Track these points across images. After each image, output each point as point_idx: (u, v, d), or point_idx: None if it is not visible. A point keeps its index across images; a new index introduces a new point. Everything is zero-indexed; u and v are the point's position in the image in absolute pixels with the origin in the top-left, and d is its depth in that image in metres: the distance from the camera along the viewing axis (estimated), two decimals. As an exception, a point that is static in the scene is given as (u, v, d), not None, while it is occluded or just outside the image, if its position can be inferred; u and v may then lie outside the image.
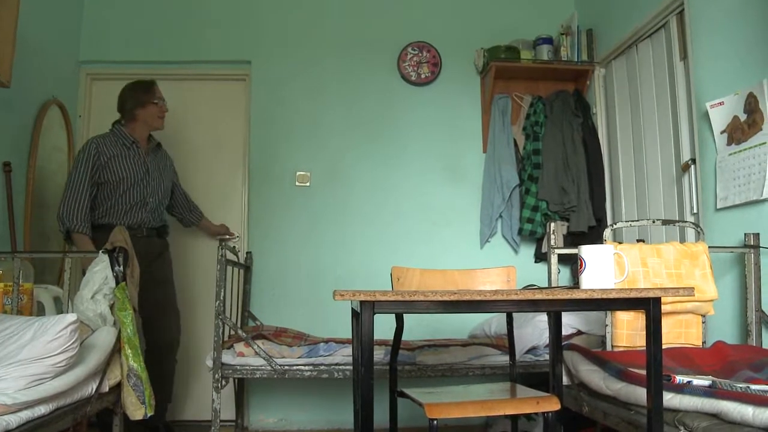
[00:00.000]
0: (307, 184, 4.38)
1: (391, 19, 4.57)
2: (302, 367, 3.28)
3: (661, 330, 1.81)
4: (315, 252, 4.32)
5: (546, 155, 4.19)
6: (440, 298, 1.73)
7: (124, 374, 2.74)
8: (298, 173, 4.38)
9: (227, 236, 4.06)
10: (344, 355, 3.28)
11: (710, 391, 1.92)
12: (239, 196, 4.45)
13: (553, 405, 2.05)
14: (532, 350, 3.43)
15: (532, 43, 4.39)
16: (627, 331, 2.63)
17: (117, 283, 2.83)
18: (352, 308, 2.17)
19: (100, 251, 2.91)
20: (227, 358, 3.23)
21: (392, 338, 2.42)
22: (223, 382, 3.21)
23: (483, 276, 2.50)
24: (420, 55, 4.51)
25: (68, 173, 3.50)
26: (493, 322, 3.75)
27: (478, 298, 1.76)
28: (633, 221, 3.02)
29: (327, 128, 4.45)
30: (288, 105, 4.44)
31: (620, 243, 2.96)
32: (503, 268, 2.52)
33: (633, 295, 1.81)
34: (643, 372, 1.88)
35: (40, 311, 3.12)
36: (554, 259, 2.86)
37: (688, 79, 3.32)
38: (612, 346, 2.66)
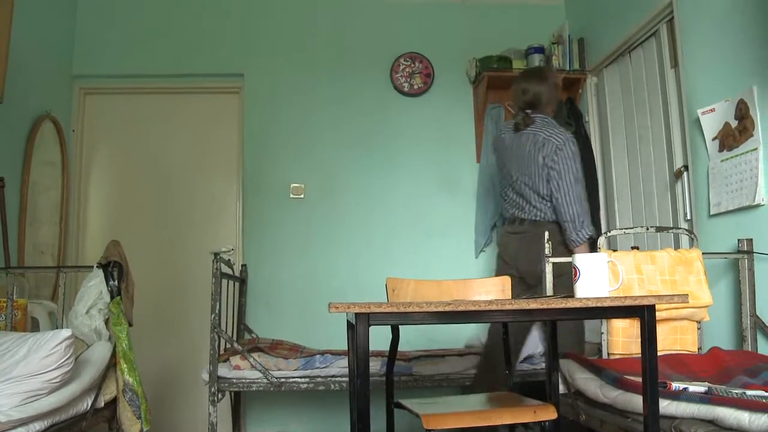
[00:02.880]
0: (302, 196, 4.38)
1: (383, 30, 4.59)
2: (299, 380, 3.28)
3: (656, 337, 1.81)
4: (310, 264, 4.32)
5: (539, 164, 4.19)
6: (435, 309, 1.73)
7: (119, 389, 2.73)
8: (292, 185, 4.38)
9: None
10: (340, 366, 3.27)
11: (706, 398, 1.92)
12: (233, 209, 4.45)
13: (550, 414, 2.05)
14: (528, 359, 3.43)
15: (523, 53, 4.41)
16: (623, 338, 2.63)
17: (112, 297, 2.82)
18: (347, 320, 2.17)
19: (94, 265, 2.91)
20: (223, 371, 3.23)
21: (388, 349, 2.41)
22: (220, 396, 3.20)
23: (478, 286, 2.49)
24: (412, 65, 4.53)
25: (557, 170, 3.07)
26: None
27: (473, 308, 1.76)
28: (627, 228, 3.02)
29: (321, 140, 4.46)
30: (281, 117, 4.45)
31: (615, 250, 2.97)
32: (498, 278, 2.51)
33: (627, 303, 1.81)
34: (640, 379, 1.88)
35: (35, 327, 3.11)
36: (549, 267, 2.86)
37: (680, 86, 3.34)
38: (608, 354, 2.66)
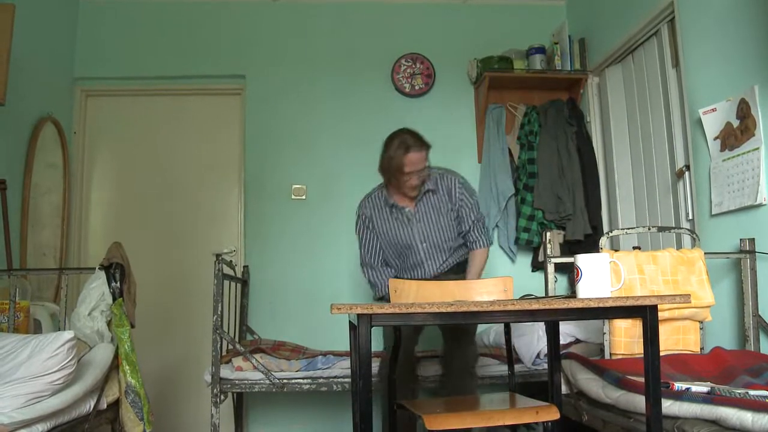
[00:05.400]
0: (303, 197, 4.38)
1: (384, 31, 4.59)
2: (301, 381, 3.28)
3: (659, 337, 1.81)
4: (312, 265, 4.31)
5: (541, 164, 4.20)
6: (437, 310, 1.73)
7: (122, 391, 2.73)
8: (293, 186, 4.38)
9: None
10: (342, 367, 3.27)
11: (709, 398, 1.92)
12: (235, 210, 4.45)
13: (552, 414, 2.05)
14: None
15: (524, 53, 4.41)
16: (625, 338, 2.62)
17: (114, 299, 2.82)
18: (349, 321, 2.17)
19: (97, 267, 2.91)
20: (225, 372, 3.23)
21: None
22: (222, 397, 3.20)
23: (480, 286, 2.50)
24: (413, 66, 4.53)
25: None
26: (492, 332, 3.74)
27: (475, 309, 1.76)
28: (629, 229, 3.02)
29: (322, 141, 4.46)
30: (283, 118, 4.45)
31: (617, 250, 2.97)
32: (500, 279, 2.52)
33: (629, 303, 1.81)
34: (642, 380, 1.88)
35: (37, 329, 3.10)
36: (551, 268, 2.86)
37: (681, 86, 3.33)
38: (610, 354, 2.66)
